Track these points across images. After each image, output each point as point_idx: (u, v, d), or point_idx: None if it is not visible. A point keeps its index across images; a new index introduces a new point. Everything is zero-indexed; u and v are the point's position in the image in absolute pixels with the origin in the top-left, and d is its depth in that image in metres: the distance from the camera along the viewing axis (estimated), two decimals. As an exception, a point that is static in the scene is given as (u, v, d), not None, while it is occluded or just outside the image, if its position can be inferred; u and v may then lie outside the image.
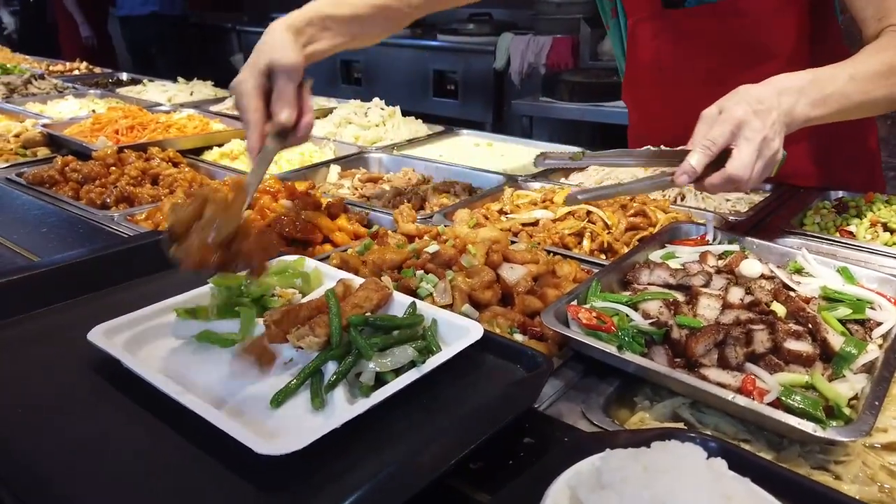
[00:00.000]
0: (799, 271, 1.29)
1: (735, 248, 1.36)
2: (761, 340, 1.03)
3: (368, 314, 1.02)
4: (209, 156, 2.43)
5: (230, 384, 0.94)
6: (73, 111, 3.16)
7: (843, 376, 1.01)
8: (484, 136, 2.65)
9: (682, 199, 1.82)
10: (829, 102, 1.31)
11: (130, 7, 6.72)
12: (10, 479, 0.77)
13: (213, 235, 1.00)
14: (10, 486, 0.75)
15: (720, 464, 0.70)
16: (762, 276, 1.22)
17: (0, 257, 1.54)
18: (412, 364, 0.94)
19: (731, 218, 1.69)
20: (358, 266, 1.32)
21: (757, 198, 1.84)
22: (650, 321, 1.10)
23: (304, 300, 1.10)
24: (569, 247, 1.57)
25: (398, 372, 0.93)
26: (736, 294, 1.16)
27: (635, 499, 0.65)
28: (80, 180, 2.01)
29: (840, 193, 1.83)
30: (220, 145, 2.49)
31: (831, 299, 1.17)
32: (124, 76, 4.21)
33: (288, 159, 2.37)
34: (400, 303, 1.09)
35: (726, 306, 1.13)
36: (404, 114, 2.84)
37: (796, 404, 0.92)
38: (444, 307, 1.16)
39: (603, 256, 1.55)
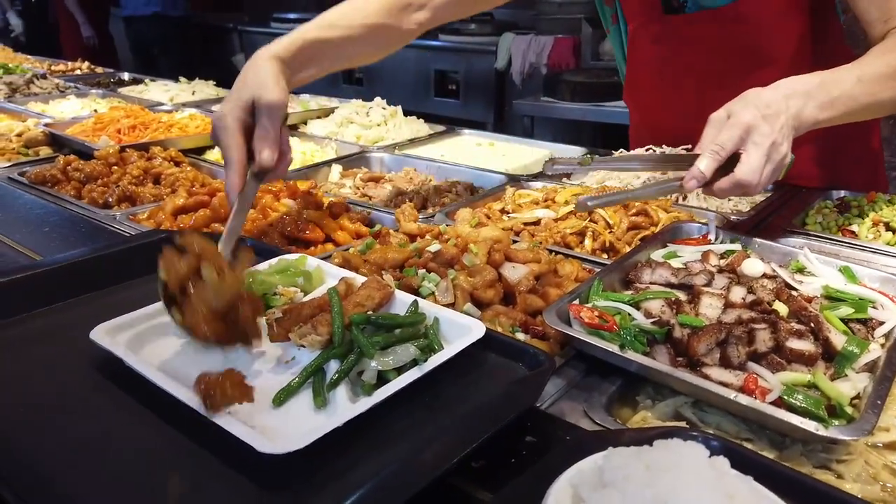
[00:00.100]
0: (801, 271, 1.29)
1: (737, 247, 1.36)
2: (763, 340, 1.03)
3: (370, 313, 1.02)
4: (211, 155, 2.43)
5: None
6: (75, 111, 3.16)
7: (846, 375, 1.01)
8: (486, 136, 2.65)
9: (684, 199, 1.82)
10: (836, 105, 1.31)
11: (134, 7, 6.76)
12: (12, 478, 0.77)
13: (215, 302, 0.94)
14: (11, 485, 0.75)
15: (722, 462, 0.70)
16: (764, 276, 1.21)
17: (2, 256, 1.54)
18: (414, 363, 0.94)
19: (733, 217, 1.69)
20: (360, 265, 1.32)
21: (759, 197, 1.84)
22: (652, 320, 1.10)
23: (307, 299, 1.10)
24: (571, 246, 1.57)
25: (400, 370, 0.93)
26: (738, 293, 1.16)
27: (637, 497, 0.65)
28: (83, 179, 2.01)
29: (842, 193, 1.82)
30: (221, 145, 2.49)
31: (833, 298, 1.17)
32: (126, 76, 4.22)
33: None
34: (402, 301, 1.09)
35: (728, 305, 1.13)
36: (406, 114, 2.84)
37: (798, 403, 0.92)
38: (446, 306, 1.16)
39: (605, 256, 1.55)
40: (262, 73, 1.35)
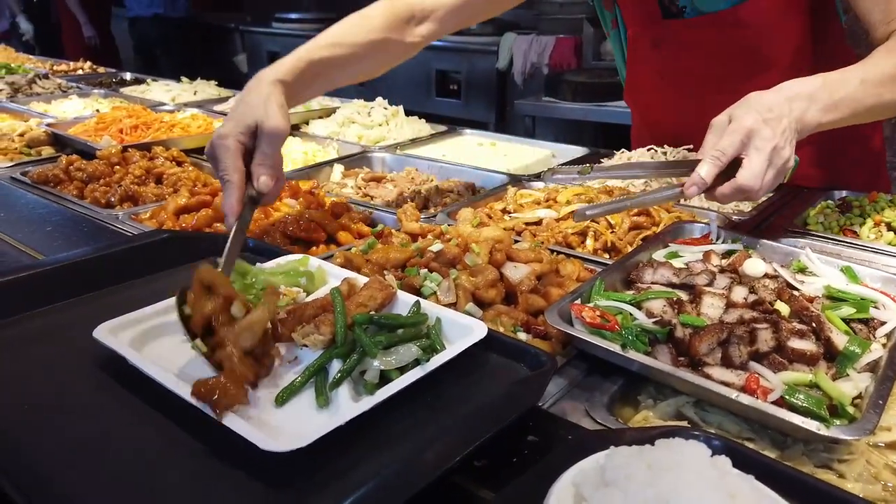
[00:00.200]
0: (802, 270, 1.29)
1: (738, 247, 1.36)
2: (765, 339, 1.03)
3: (373, 313, 1.02)
4: (212, 155, 2.43)
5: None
6: (77, 110, 3.17)
7: (847, 375, 1.01)
8: (487, 136, 2.65)
9: (686, 199, 1.82)
10: (840, 107, 1.30)
11: (136, 9, 6.78)
12: (13, 478, 0.77)
13: (249, 343, 0.92)
14: (12, 485, 0.76)
15: (724, 461, 0.70)
16: (766, 276, 1.21)
17: (5, 256, 1.54)
18: (416, 362, 0.94)
19: (734, 217, 1.69)
20: (362, 265, 1.32)
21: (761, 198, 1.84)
22: (654, 320, 1.10)
23: (309, 299, 1.10)
24: (572, 246, 1.57)
25: (402, 370, 0.93)
26: (739, 293, 1.16)
27: (639, 496, 0.65)
28: (85, 179, 2.01)
29: (844, 193, 1.82)
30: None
31: (835, 298, 1.17)
32: (128, 76, 4.22)
33: (293, 159, 2.37)
34: (404, 301, 1.09)
35: (730, 305, 1.13)
36: (407, 113, 2.84)
37: (800, 403, 0.92)
38: (448, 306, 1.16)
39: (606, 255, 1.55)
40: (265, 97, 1.34)
